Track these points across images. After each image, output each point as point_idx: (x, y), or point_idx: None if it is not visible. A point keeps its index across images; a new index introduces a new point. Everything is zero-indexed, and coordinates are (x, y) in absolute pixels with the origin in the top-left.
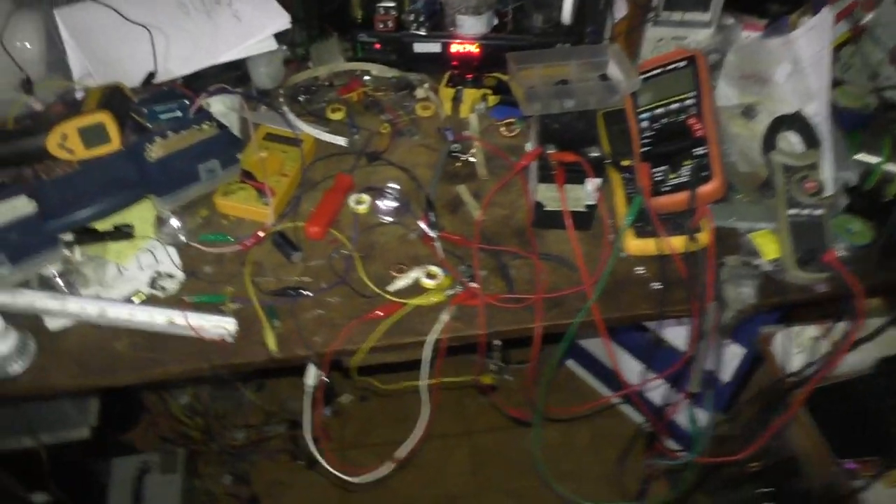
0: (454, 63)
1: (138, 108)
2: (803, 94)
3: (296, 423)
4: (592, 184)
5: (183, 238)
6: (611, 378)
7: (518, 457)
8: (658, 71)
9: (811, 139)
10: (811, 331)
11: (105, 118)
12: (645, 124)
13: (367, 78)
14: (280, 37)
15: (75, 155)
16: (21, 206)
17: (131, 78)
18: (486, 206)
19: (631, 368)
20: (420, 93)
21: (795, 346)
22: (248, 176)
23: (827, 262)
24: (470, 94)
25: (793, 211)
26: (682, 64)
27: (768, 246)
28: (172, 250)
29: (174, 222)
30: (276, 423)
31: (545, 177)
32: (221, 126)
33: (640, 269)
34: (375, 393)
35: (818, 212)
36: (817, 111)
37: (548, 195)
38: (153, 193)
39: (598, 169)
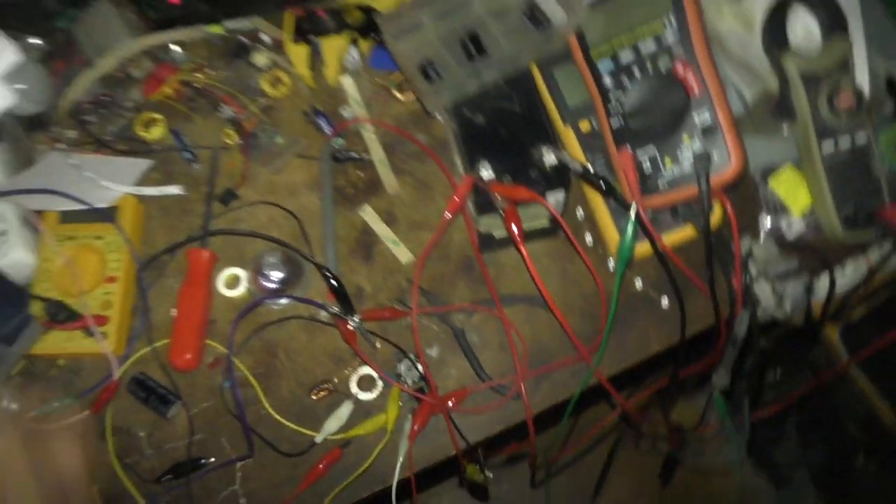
0: None
1: None
2: None
3: None
4: (556, 197)
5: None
6: None
7: None
8: None
9: (832, 17)
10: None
11: None
12: (608, 81)
13: (177, 50)
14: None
15: None
16: None
17: None
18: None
19: None
20: (260, 59)
21: None
22: (57, 314)
23: (885, 218)
24: (331, 46)
25: (827, 144)
26: None
27: (796, 193)
28: None
29: None
30: None
31: (485, 207)
32: None
33: (639, 283)
34: None
35: (861, 139)
36: None
37: (494, 222)
38: None
39: (562, 175)
